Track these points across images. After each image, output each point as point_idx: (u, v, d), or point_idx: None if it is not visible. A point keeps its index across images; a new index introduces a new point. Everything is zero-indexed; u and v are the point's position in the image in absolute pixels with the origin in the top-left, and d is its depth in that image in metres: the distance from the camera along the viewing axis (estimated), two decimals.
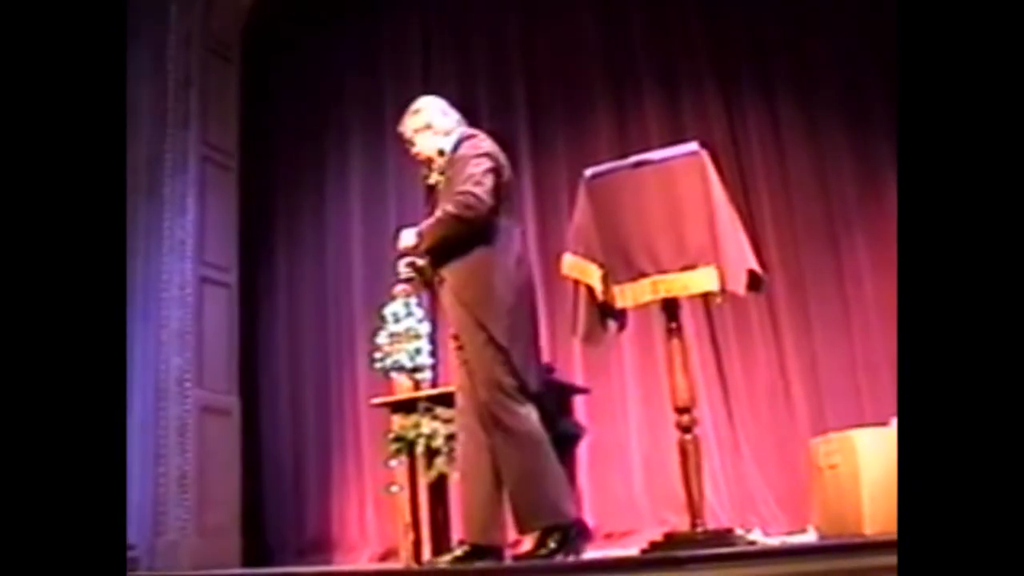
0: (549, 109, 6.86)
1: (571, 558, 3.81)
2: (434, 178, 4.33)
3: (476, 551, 3.96)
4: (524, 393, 3.98)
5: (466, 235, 4.02)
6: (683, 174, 3.72)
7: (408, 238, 4.21)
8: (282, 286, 7.82)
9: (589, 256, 3.83)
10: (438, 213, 4.12)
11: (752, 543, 3.79)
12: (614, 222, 3.80)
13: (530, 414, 3.98)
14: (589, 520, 4.10)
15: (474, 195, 3.99)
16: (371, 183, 7.57)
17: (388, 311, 5.39)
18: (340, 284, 7.51)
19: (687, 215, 3.66)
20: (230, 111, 7.57)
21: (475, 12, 7.50)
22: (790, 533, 4.85)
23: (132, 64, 6.98)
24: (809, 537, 4.53)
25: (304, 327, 7.64)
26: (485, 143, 4.20)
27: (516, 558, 4.18)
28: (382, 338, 5.33)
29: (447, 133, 4.34)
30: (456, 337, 4.14)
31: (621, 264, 3.76)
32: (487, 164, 4.09)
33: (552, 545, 3.88)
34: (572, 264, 3.89)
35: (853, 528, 4.25)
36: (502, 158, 4.21)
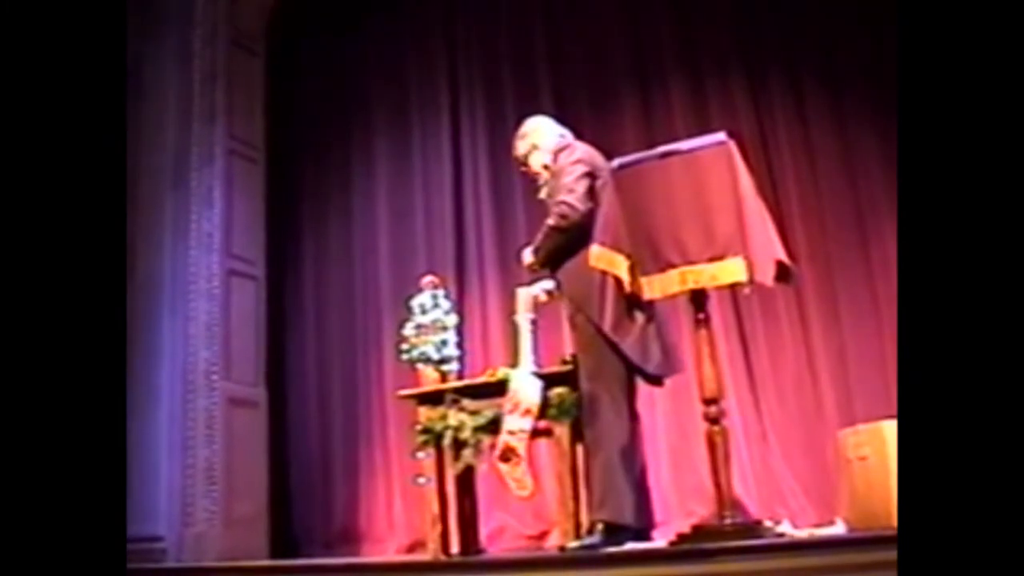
0: (575, 99, 6.83)
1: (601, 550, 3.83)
2: (543, 193, 4.69)
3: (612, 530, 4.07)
4: (630, 387, 4.31)
5: (570, 241, 4.34)
6: (710, 164, 3.70)
7: (527, 256, 4.66)
8: (309, 278, 7.84)
9: (616, 247, 3.83)
10: (543, 228, 4.50)
11: (780, 535, 3.77)
12: (641, 213, 3.79)
13: (623, 411, 4.23)
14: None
15: (567, 203, 4.33)
16: (398, 174, 7.57)
17: (415, 302, 5.39)
18: (367, 275, 7.52)
19: (715, 205, 3.65)
20: (256, 104, 7.59)
21: (500, 3, 7.48)
22: (818, 525, 4.82)
23: (158, 58, 7.04)
24: (838, 529, 4.50)
25: (331, 319, 7.66)
26: (577, 151, 4.53)
27: (561, 549, 4.24)
28: (409, 329, 5.32)
29: (549, 149, 4.71)
30: (574, 330, 4.43)
31: (649, 255, 3.75)
32: (579, 170, 4.40)
33: (595, 539, 3.95)
34: (599, 255, 3.88)
35: (882, 520, 4.22)
36: (599, 160, 4.48)
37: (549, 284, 4.69)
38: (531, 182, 4.90)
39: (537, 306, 4.82)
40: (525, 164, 4.85)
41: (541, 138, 4.78)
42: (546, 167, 4.66)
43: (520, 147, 4.85)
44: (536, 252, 4.57)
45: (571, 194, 4.32)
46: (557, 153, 4.59)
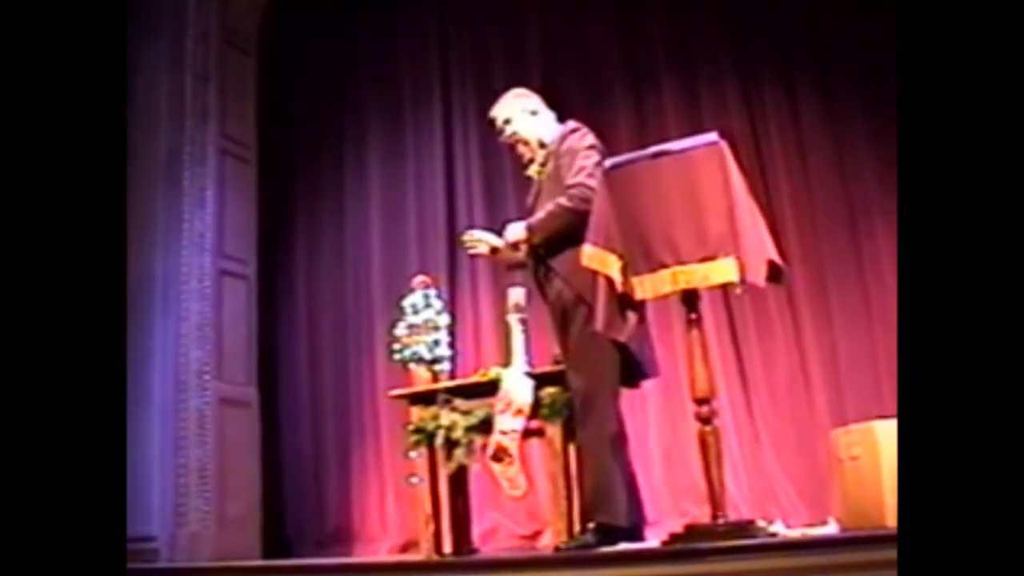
0: (567, 100, 6.79)
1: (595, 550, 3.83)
2: (534, 170, 4.48)
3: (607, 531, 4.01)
4: (625, 383, 4.21)
5: (578, 227, 4.03)
6: (702, 164, 3.70)
7: (517, 232, 4.36)
8: (301, 278, 7.84)
9: (608, 247, 3.81)
10: (550, 207, 4.24)
11: (773, 535, 3.77)
12: (633, 213, 3.79)
13: (616, 410, 4.14)
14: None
15: (589, 187, 4.09)
16: (390, 174, 7.58)
17: (407, 302, 5.39)
18: (359, 275, 7.53)
19: (707, 205, 3.64)
20: (248, 104, 7.58)
21: (493, 4, 7.48)
22: (811, 525, 4.83)
23: (150, 59, 7.02)
24: (830, 529, 4.50)
25: (323, 319, 7.66)
26: (589, 136, 4.34)
27: (556, 548, 4.22)
28: (401, 329, 5.32)
29: (549, 124, 4.52)
30: (562, 327, 4.26)
31: (640, 255, 3.74)
32: (595, 157, 4.22)
33: (589, 538, 3.94)
34: (591, 255, 3.87)
35: (875, 520, 4.23)
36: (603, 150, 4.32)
37: (492, 239, 4.60)
38: (525, 179, 4.71)
39: (529, 306, 4.82)
40: (510, 123, 4.57)
41: (541, 106, 4.60)
42: (542, 144, 4.46)
43: (517, 104, 4.60)
44: (532, 229, 4.31)
45: (592, 178, 4.10)
46: (568, 134, 4.36)
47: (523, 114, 4.56)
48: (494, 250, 4.67)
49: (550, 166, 4.38)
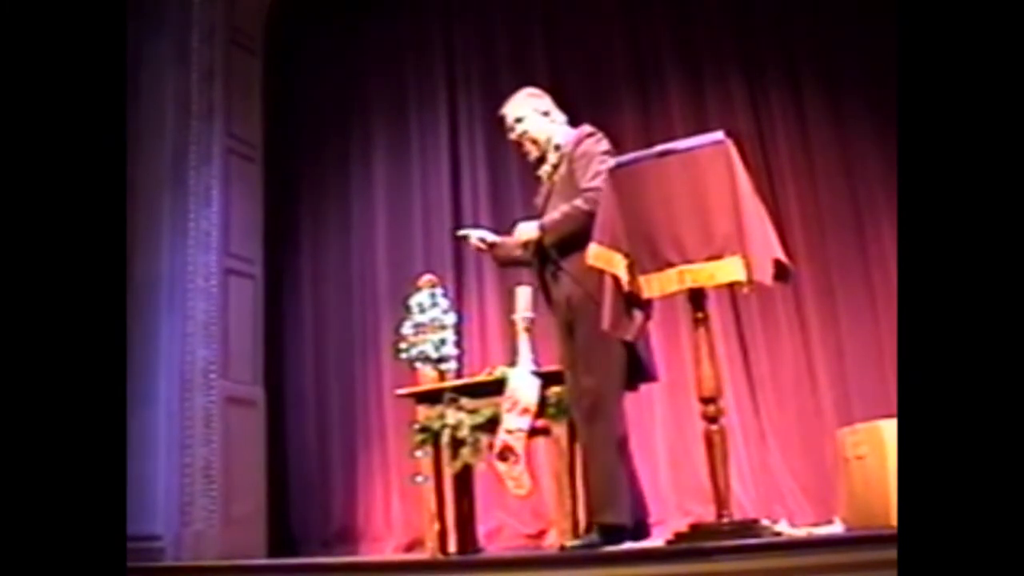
0: (573, 98, 6.80)
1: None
2: (545, 171, 4.50)
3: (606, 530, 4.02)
4: (630, 385, 4.21)
5: (591, 228, 4.00)
6: (708, 163, 3.70)
7: (529, 231, 4.36)
8: (307, 277, 7.84)
9: (614, 246, 3.82)
10: (566, 208, 4.24)
11: (778, 534, 3.77)
12: (639, 212, 3.79)
13: (622, 410, 4.15)
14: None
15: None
16: (395, 173, 7.57)
17: (413, 301, 5.40)
18: (365, 274, 7.53)
19: (713, 204, 3.65)
20: (254, 103, 7.60)
21: (498, 3, 7.47)
22: (816, 524, 4.82)
23: (156, 57, 7.03)
24: (836, 529, 4.50)
25: (329, 317, 7.66)
26: (604, 142, 4.36)
27: (561, 547, 4.22)
28: (407, 328, 5.33)
29: (561, 126, 4.54)
30: (568, 328, 4.26)
31: (647, 254, 3.74)
32: (612, 162, 4.13)
33: (594, 537, 3.94)
34: (597, 254, 3.87)
35: (880, 520, 4.22)
36: None
37: (490, 236, 4.70)
38: (532, 179, 4.72)
39: (535, 306, 4.82)
40: (520, 122, 4.58)
41: (553, 108, 4.61)
42: (557, 146, 4.46)
43: (530, 103, 4.61)
44: (545, 229, 4.32)
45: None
46: (584, 138, 4.38)
47: (535, 114, 4.58)
48: (491, 245, 4.71)
49: (563, 168, 4.39)
